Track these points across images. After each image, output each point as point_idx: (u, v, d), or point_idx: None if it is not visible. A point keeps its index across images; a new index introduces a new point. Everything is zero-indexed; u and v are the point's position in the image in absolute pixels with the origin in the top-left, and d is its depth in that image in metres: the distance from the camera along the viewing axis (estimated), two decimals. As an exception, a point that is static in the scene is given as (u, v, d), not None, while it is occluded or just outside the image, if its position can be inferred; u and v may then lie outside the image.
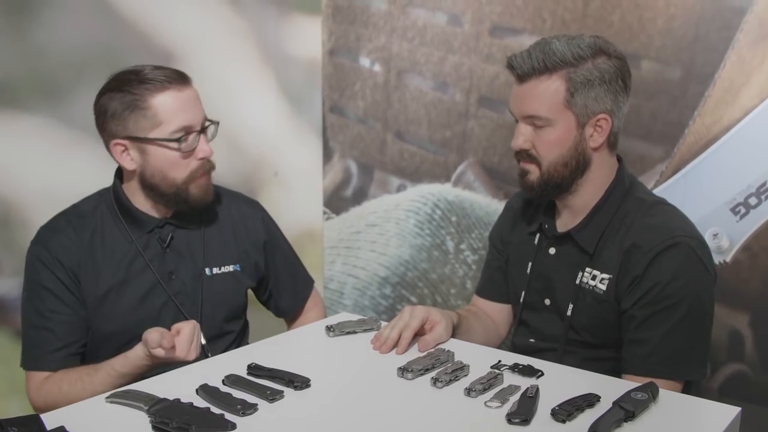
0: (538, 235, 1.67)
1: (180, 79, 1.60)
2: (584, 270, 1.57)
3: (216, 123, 1.66)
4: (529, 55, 1.52)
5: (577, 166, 1.55)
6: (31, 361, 1.64)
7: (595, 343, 1.57)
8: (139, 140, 1.59)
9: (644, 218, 1.53)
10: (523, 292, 1.68)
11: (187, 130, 1.59)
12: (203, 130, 1.62)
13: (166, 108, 1.57)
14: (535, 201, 1.68)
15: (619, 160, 1.62)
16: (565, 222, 1.63)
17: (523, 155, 1.57)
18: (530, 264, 1.67)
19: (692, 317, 1.47)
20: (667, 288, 1.46)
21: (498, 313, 1.81)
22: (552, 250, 1.64)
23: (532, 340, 1.67)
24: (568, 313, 1.58)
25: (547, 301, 1.64)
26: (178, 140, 1.58)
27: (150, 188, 1.63)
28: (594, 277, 1.56)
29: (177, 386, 1.32)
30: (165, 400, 1.22)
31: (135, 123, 1.57)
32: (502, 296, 1.79)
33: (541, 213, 1.67)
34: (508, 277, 1.76)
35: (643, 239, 1.49)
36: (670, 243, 1.47)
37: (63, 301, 1.62)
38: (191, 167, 1.61)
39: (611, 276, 1.53)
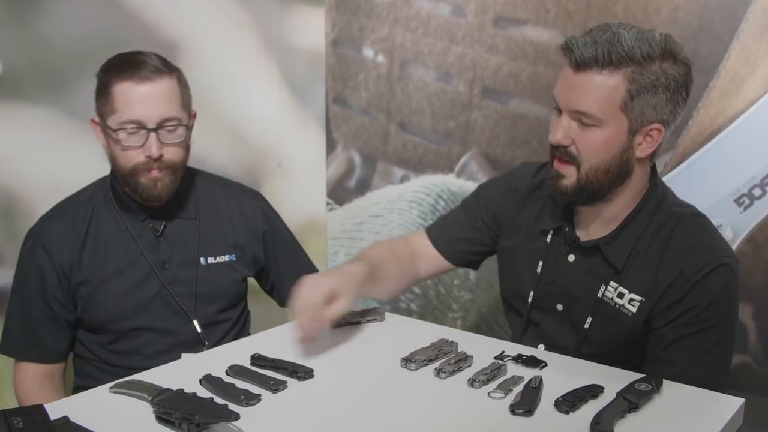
0: (551, 234, 1.55)
1: (149, 72, 1.57)
2: (608, 284, 1.46)
3: (184, 125, 1.62)
4: (594, 42, 1.34)
5: (619, 174, 1.41)
6: (8, 348, 1.68)
7: (610, 357, 1.43)
8: (102, 122, 1.61)
9: (685, 237, 1.43)
10: (532, 292, 1.57)
11: (139, 125, 1.57)
12: (158, 128, 1.58)
13: (122, 98, 1.57)
14: (556, 201, 1.52)
15: (652, 167, 1.50)
16: (588, 231, 1.51)
17: (562, 152, 1.42)
18: (541, 263, 1.55)
19: (723, 342, 1.42)
20: (706, 311, 1.38)
21: (431, 259, 1.68)
22: (571, 258, 1.51)
23: (541, 347, 1.56)
24: (586, 325, 1.48)
25: (560, 307, 1.53)
26: (117, 131, 1.58)
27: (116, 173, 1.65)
28: (621, 295, 1.45)
29: (180, 377, 1.33)
30: (168, 390, 1.22)
31: (102, 105, 1.61)
32: (451, 253, 1.67)
33: (559, 213, 1.54)
34: (507, 268, 1.64)
35: (686, 266, 1.39)
36: (714, 266, 1.38)
37: (46, 301, 1.64)
38: (137, 160, 1.60)
39: (644, 299, 1.42)
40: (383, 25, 2.50)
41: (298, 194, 2.64)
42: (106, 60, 1.62)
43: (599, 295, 1.47)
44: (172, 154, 1.61)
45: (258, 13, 2.48)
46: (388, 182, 2.59)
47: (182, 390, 1.22)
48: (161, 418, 1.17)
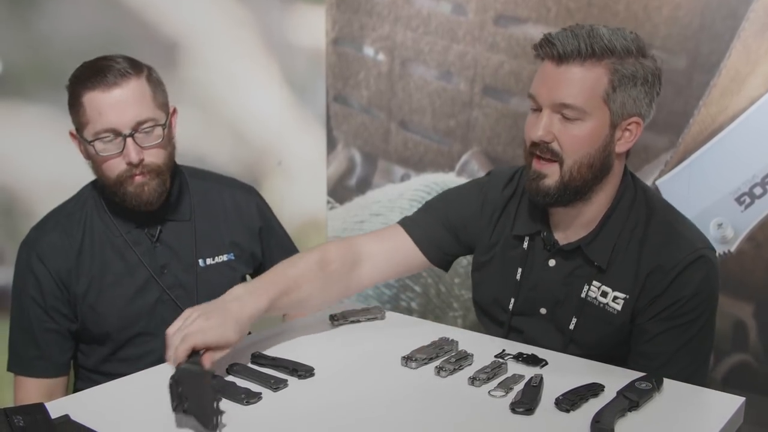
0: (527, 240, 1.52)
1: (114, 77, 1.53)
2: (591, 284, 1.45)
3: (161, 125, 1.58)
4: (574, 36, 1.34)
5: (601, 168, 1.39)
6: (15, 365, 1.65)
7: (597, 357, 1.42)
8: (79, 135, 1.59)
9: (661, 230, 1.43)
10: (513, 300, 1.53)
11: (114, 132, 1.54)
12: (134, 133, 1.54)
13: (92, 108, 1.53)
14: (535, 203, 1.48)
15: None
16: (566, 233, 1.48)
17: (543, 149, 1.39)
18: (520, 270, 1.51)
19: (704, 333, 1.41)
20: (687, 305, 1.39)
21: (408, 257, 1.58)
22: (551, 262, 1.49)
23: None
24: (571, 327, 1.47)
25: (543, 311, 1.50)
26: (93, 143, 1.54)
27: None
28: (605, 294, 1.44)
29: (181, 375, 1.33)
30: (207, 373, 1.20)
31: (75, 118, 1.57)
32: (425, 244, 1.57)
33: (537, 217, 1.51)
34: (482, 279, 1.59)
35: (665, 259, 1.40)
36: (692, 258, 1.38)
37: (46, 312, 1.62)
38: (119, 169, 1.56)
39: (627, 296, 1.42)
40: (384, 24, 2.50)
41: (298, 193, 2.64)
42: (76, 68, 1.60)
43: (582, 295, 1.46)
44: (153, 156, 1.57)
45: (258, 11, 2.48)
46: (389, 181, 2.59)
47: (213, 374, 1.21)
48: (171, 388, 1.15)
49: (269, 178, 2.55)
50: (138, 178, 1.57)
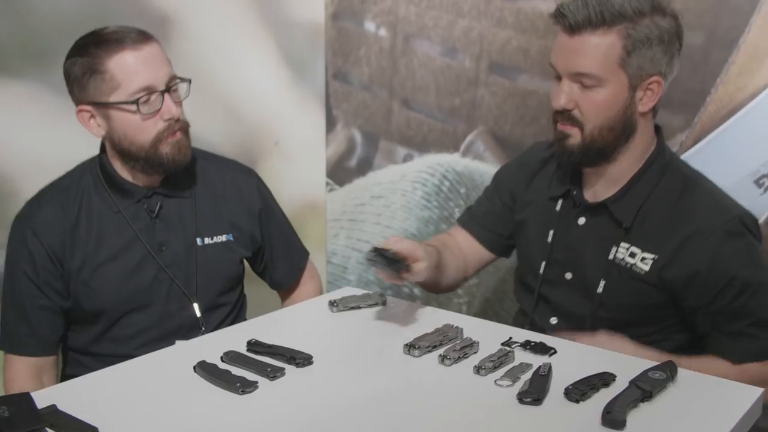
0: (560, 202, 1.59)
1: (138, 37, 1.54)
2: (619, 245, 1.50)
3: (187, 80, 1.60)
4: (585, 4, 1.41)
5: (623, 131, 1.47)
6: (5, 343, 1.65)
7: (626, 323, 1.50)
8: (101, 105, 1.56)
9: (698, 197, 1.48)
10: (544, 264, 1.59)
11: (149, 91, 1.54)
12: (168, 89, 1.56)
13: (123, 69, 1.52)
14: (563, 164, 1.59)
15: (658, 128, 1.54)
16: (595, 191, 1.55)
17: (565, 116, 1.48)
18: (552, 232, 1.59)
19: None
20: (745, 279, 1.43)
21: (472, 250, 1.75)
22: (581, 220, 1.56)
23: (554, 321, 1.59)
24: (599, 290, 1.51)
25: (569, 275, 1.56)
26: (136, 102, 1.53)
27: (123, 154, 1.60)
28: (633, 255, 1.49)
29: (174, 363, 1.32)
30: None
31: (95, 88, 1.54)
32: (486, 238, 1.74)
33: (568, 177, 1.59)
34: (521, 242, 1.69)
35: (704, 223, 1.44)
36: (732, 226, 1.44)
37: (39, 288, 1.61)
38: (158, 128, 1.56)
39: (656, 257, 1.46)
40: (386, -2, 2.47)
41: (296, 174, 2.62)
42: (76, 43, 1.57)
43: (610, 257, 1.51)
44: (181, 113, 1.61)
45: (255, -15, 2.44)
46: (391, 162, 2.58)
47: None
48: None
49: (266, 159, 2.54)
50: (178, 134, 1.59)
